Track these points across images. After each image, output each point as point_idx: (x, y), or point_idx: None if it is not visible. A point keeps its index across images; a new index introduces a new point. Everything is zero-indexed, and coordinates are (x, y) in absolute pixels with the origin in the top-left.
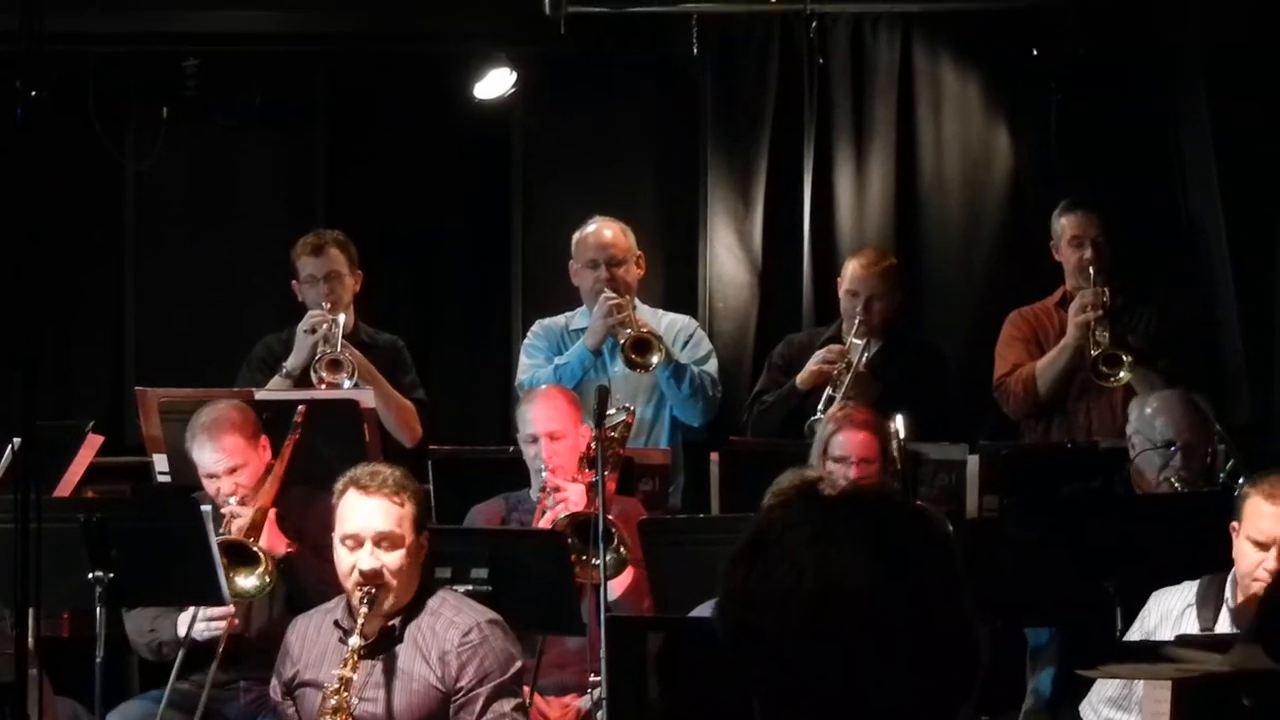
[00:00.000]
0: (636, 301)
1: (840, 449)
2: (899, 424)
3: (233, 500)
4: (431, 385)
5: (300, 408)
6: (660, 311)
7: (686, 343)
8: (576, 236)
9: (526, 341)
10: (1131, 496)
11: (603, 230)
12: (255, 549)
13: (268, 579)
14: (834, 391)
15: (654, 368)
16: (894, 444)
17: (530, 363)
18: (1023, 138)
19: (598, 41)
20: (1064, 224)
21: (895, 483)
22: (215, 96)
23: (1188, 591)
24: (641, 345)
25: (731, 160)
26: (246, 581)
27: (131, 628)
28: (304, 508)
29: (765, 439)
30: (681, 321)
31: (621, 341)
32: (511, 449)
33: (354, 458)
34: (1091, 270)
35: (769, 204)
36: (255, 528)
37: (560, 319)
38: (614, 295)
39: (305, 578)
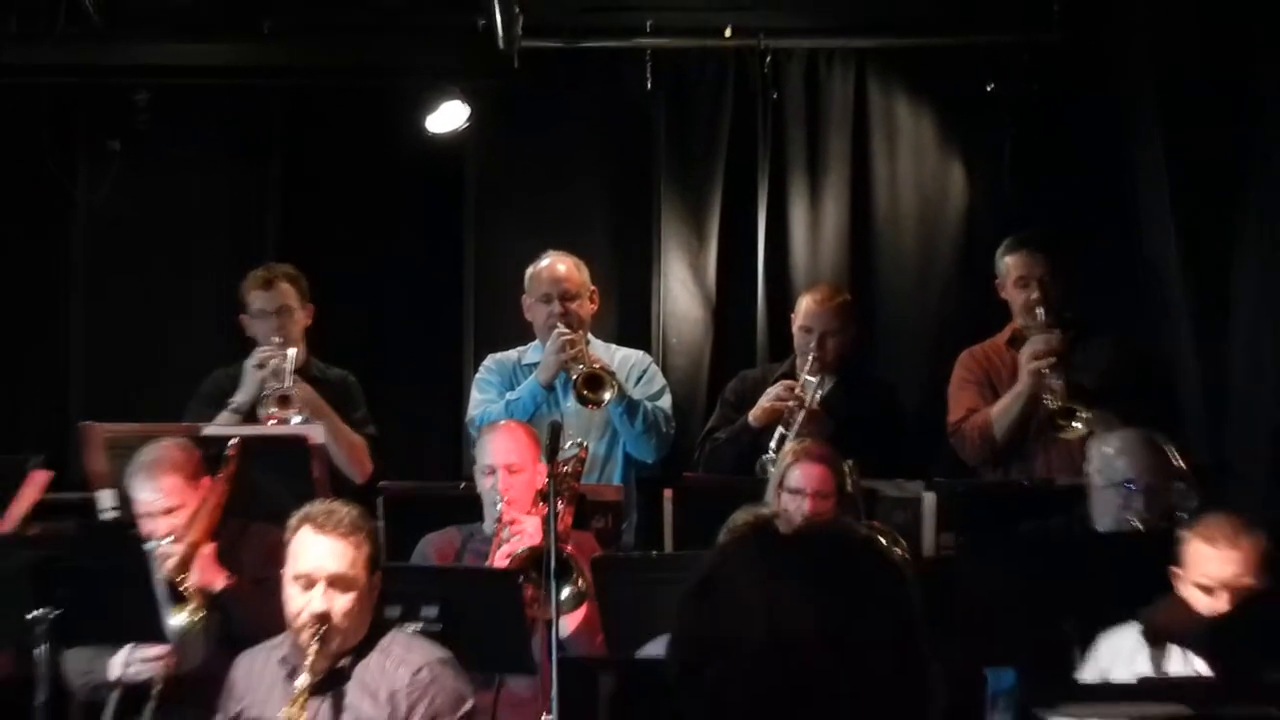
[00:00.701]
0: (590, 337)
1: (796, 481)
2: (849, 469)
3: (166, 541)
4: (382, 421)
5: (233, 442)
6: (613, 346)
7: (640, 378)
8: (530, 271)
9: (478, 376)
10: (1090, 535)
11: (556, 265)
12: (185, 587)
13: (197, 616)
14: (786, 429)
15: (606, 404)
16: (849, 480)
17: (482, 398)
18: (977, 173)
19: (551, 76)
20: (1009, 264)
21: (850, 517)
22: (167, 129)
23: (1134, 630)
24: (594, 381)
25: (685, 194)
26: (177, 619)
27: (70, 669)
28: (240, 540)
29: (720, 476)
30: (635, 357)
31: (574, 377)
32: (463, 484)
33: (302, 494)
34: (1040, 311)
35: (723, 238)
36: (185, 564)
37: (513, 353)
38: (567, 330)
39: (244, 612)
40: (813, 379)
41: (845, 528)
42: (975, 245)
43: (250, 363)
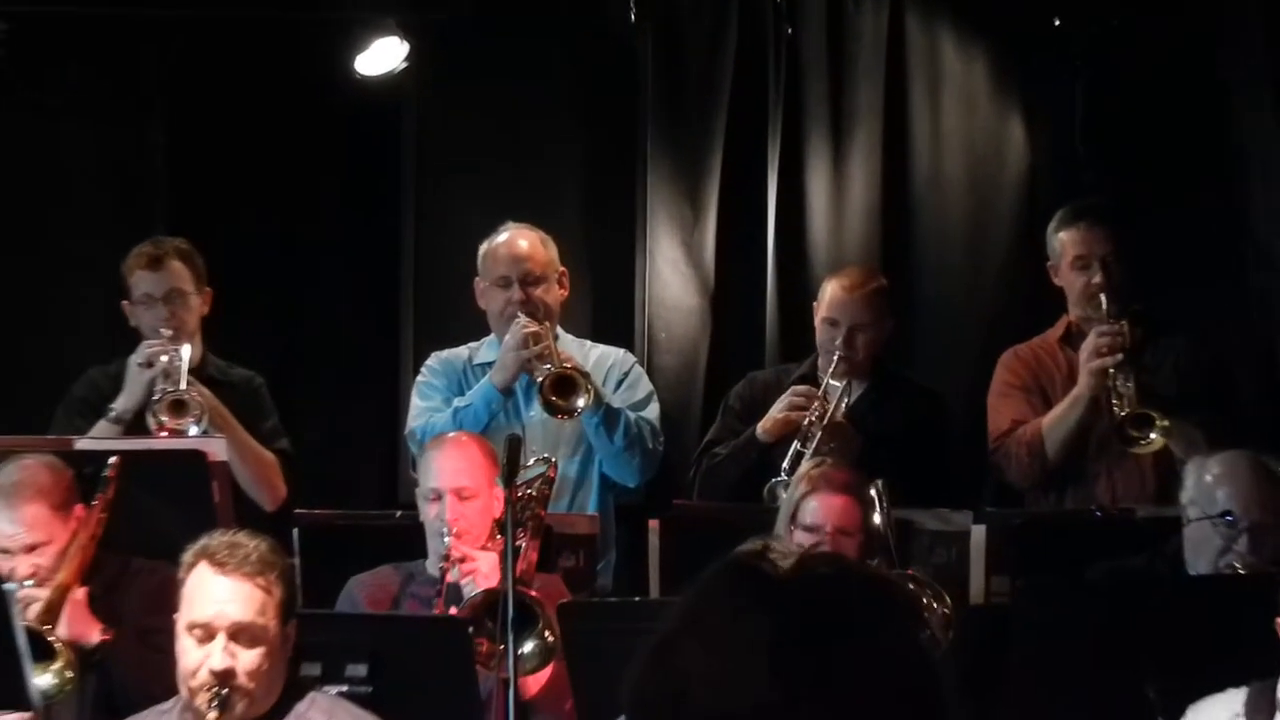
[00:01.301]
0: (559, 330)
1: (813, 516)
2: (878, 490)
3: (28, 584)
4: (299, 433)
5: (113, 459)
6: (588, 343)
7: (621, 382)
8: (484, 248)
9: (420, 379)
10: (1179, 579)
11: (516, 241)
12: (51, 640)
13: (68, 676)
14: (803, 445)
15: (579, 413)
16: (878, 513)
17: (424, 405)
18: (1041, 129)
19: (509, 6)
20: (1063, 240)
21: (879, 560)
22: (28, 70)
23: (1234, 700)
24: (564, 384)
25: (678, 155)
26: (41, 680)
27: None
28: (121, 581)
29: (717, 503)
30: (615, 356)
31: (539, 379)
32: (400, 513)
33: (200, 523)
34: (1103, 299)
35: (724, 209)
36: (51, 612)
37: (463, 350)
38: (529, 322)
39: (125, 671)
40: (837, 383)
41: (860, 572)
42: (1038, 218)
43: (135, 360)
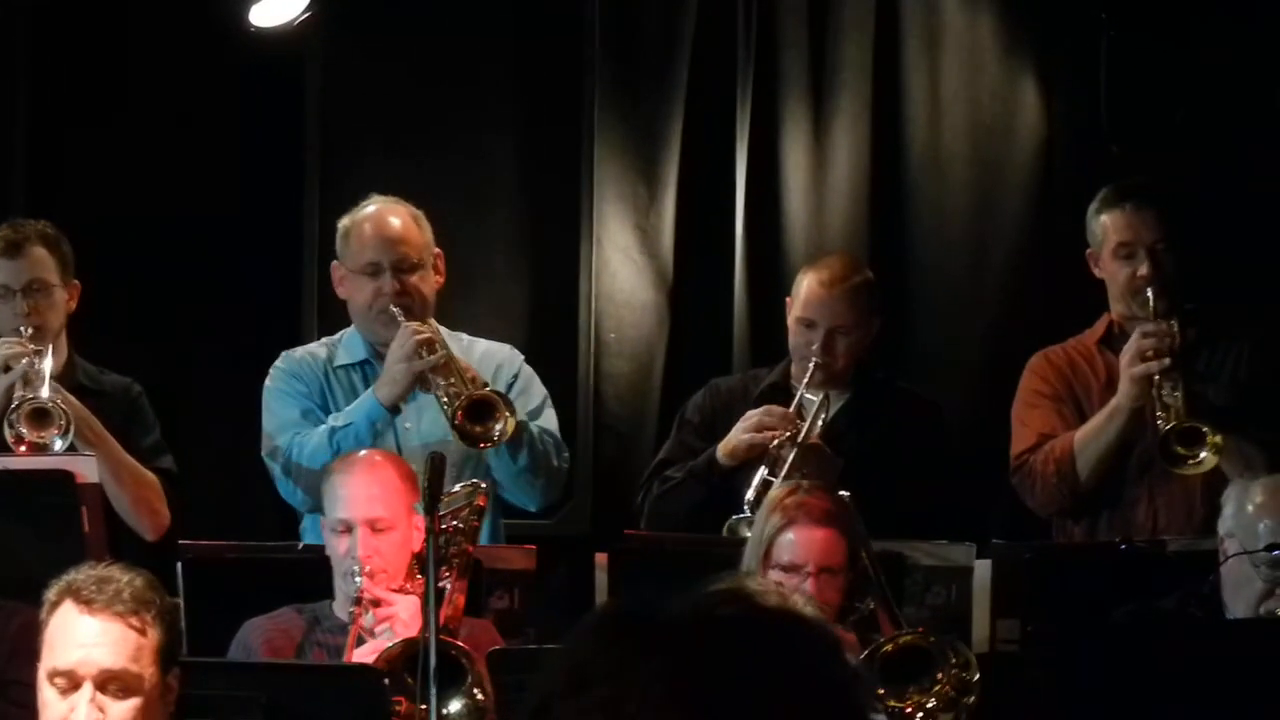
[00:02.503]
0: (433, 323)
1: (791, 553)
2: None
3: None
4: (183, 450)
5: None
6: (465, 338)
7: (511, 386)
8: (344, 226)
9: (271, 384)
10: (1219, 622)
11: (386, 219)
12: None
13: None
14: (772, 472)
15: (501, 441)
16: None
17: (284, 416)
18: (1059, 92)
19: None
20: (1106, 225)
21: (870, 599)
22: None
23: None
24: (481, 409)
25: (630, 122)
26: None
27: None
28: None
29: (672, 534)
30: (502, 354)
31: (448, 404)
32: (301, 545)
33: (67, 555)
34: (1150, 294)
35: (685, 187)
36: None
37: (318, 349)
38: (421, 327)
39: None
40: (813, 397)
41: (767, 610)
42: (1056, 198)
43: None
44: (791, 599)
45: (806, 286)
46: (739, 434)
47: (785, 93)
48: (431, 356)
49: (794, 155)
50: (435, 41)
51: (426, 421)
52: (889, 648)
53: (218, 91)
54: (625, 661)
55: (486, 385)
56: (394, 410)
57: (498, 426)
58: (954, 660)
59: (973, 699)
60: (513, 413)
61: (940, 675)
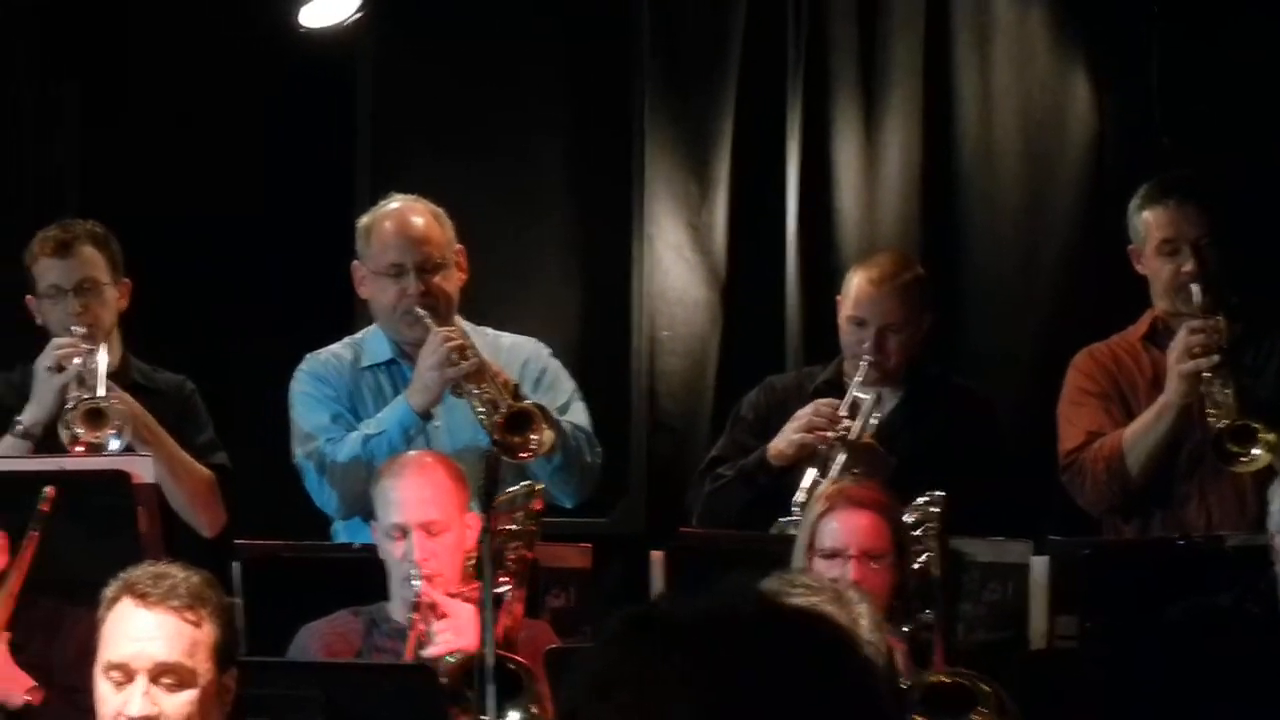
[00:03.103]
0: (457, 318)
1: (833, 538)
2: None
3: None
4: (237, 447)
5: (48, 491)
6: (490, 331)
7: (539, 381)
8: (365, 224)
9: (300, 389)
10: (1274, 620)
11: (408, 218)
12: None
13: None
14: (823, 472)
15: (540, 453)
16: (925, 535)
17: (314, 421)
18: (1111, 87)
19: None
20: (1148, 220)
21: (923, 610)
22: None
23: None
24: (519, 420)
25: (681, 121)
26: None
27: None
28: (51, 632)
29: (726, 531)
30: (529, 349)
31: (484, 413)
32: (357, 545)
33: (123, 557)
34: (1195, 289)
35: (736, 186)
36: None
37: (343, 350)
38: (450, 332)
39: None
40: (864, 396)
41: (779, 610)
42: (1107, 193)
43: (43, 364)
44: (844, 595)
45: (856, 285)
46: (788, 434)
47: (836, 89)
48: (465, 364)
49: (845, 152)
50: (486, 43)
51: (456, 421)
52: (934, 680)
53: (269, 92)
54: (647, 665)
55: (518, 386)
56: (426, 417)
57: (536, 437)
58: (996, 705)
59: None
60: (551, 425)
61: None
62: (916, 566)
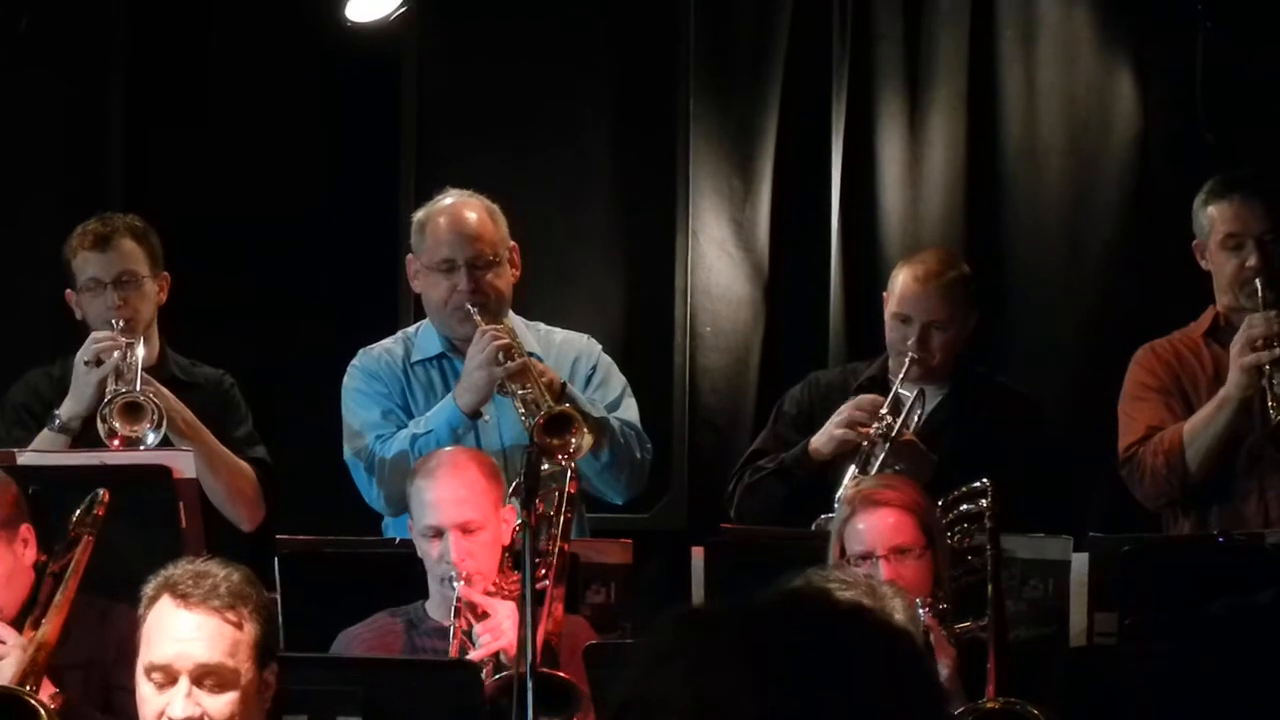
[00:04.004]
0: (510, 314)
1: (859, 541)
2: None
3: None
4: (276, 441)
5: (102, 494)
6: (542, 327)
7: (590, 378)
8: (420, 219)
9: (351, 383)
10: None
11: (462, 214)
12: (35, 703)
13: None
14: (863, 469)
15: (578, 456)
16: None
17: (365, 417)
18: (1155, 85)
19: None
20: (1213, 215)
21: (943, 591)
22: None
23: None
24: (558, 423)
25: (725, 117)
26: None
27: None
28: (92, 628)
29: (767, 527)
30: (580, 345)
31: (525, 414)
32: (397, 540)
33: (164, 552)
34: (1258, 284)
35: (780, 182)
36: (34, 674)
37: (395, 346)
38: (498, 331)
39: None
40: (907, 393)
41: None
42: (1151, 190)
43: (81, 357)
44: (878, 590)
45: (902, 281)
46: (829, 429)
47: (880, 86)
48: (511, 364)
49: (889, 148)
50: (530, 37)
51: (507, 418)
52: (988, 706)
53: (313, 86)
54: (704, 649)
55: (565, 385)
56: (475, 415)
57: (574, 441)
58: None
59: None
60: (590, 429)
61: None
62: (964, 564)
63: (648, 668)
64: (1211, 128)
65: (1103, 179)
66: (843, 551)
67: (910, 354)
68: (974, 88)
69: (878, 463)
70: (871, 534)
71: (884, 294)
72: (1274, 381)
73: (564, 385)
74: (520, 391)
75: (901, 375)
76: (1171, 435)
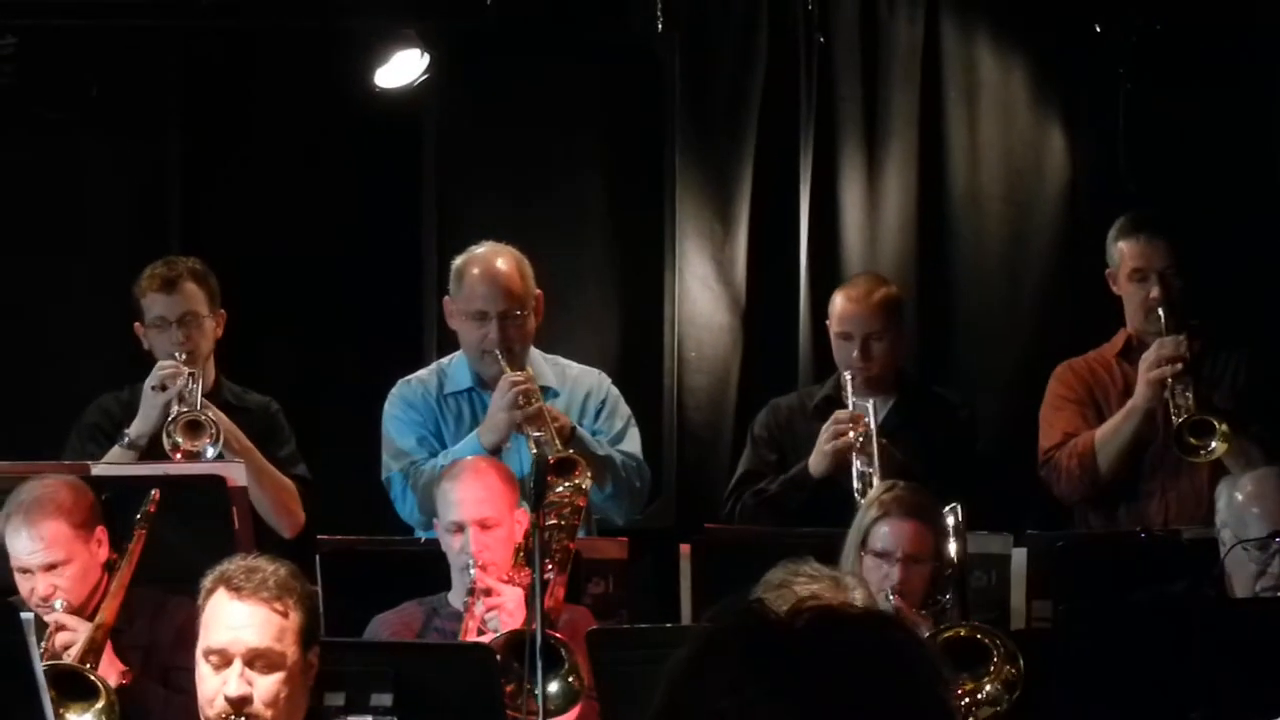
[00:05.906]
0: (532, 350)
1: (883, 541)
2: (956, 516)
3: (57, 605)
4: (317, 458)
5: (154, 493)
6: (561, 361)
7: (599, 412)
8: (458, 265)
9: (391, 411)
10: (1225, 603)
11: (496, 265)
12: (95, 680)
13: (111, 715)
14: (865, 465)
15: (585, 492)
16: (953, 541)
17: (400, 445)
18: (1082, 139)
19: (533, 15)
20: (1123, 250)
21: (950, 595)
22: (36, 85)
23: None
24: (563, 465)
25: (707, 167)
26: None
27: None
28: (153, 616)
29: (750, 527)
30: (591, 381)
31: (532, 449)
32: (424, 539)
33: (220, 550)
34: (1161, 313)
35: (755, 224)
36: (94, 651)
37: (430, 377)
38: (521, 377)
39: (147, 714)
40: (864, 403)
41: (845, 609)
42: (1079, 232)
43: (149, 383)
44: (841, 580)
45: (839, 304)
46: (821, 448)
47: (842, 140)
48: (529, 408)
49: (850, 195)
50: (536, 102)
51: (527, 453)
52: (950, 634)
53: (346, 144)
54: (716, 658)
55: (574, 429)
56: (495, 451)
57: (577, 481)
58: (1003, 651)
59: (1016, 694)
60: (591, 475)
61: (992, 669)
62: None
63: (681, 682)
64: (1133, 177)
65: (1037, 222)
66: (863, 543)
67: (854, 367)
68: (924, 142)
69: (877, 462)
70: (895, 538)
71: (827, 321)
72: (1175, 393)
73: (573, 429)
74: (535, 434)
75: (850, 386)
76: (1085, 441)
